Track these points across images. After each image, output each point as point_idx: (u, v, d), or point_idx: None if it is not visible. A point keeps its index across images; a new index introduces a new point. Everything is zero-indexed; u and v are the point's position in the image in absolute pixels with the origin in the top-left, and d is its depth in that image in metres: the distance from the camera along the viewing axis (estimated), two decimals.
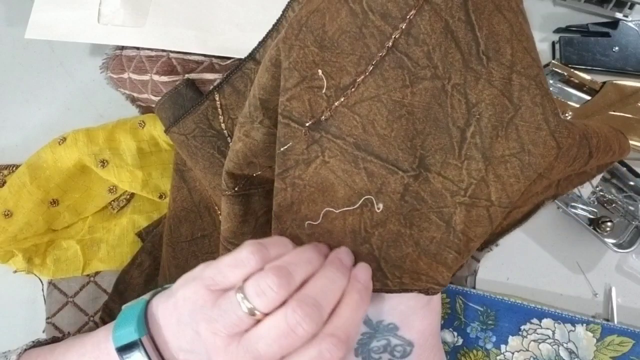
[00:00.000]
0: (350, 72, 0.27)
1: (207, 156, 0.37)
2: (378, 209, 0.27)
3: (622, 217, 0.50)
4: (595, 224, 0.49)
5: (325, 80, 0.27)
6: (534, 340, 0.48)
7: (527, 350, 0.48)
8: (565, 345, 0.47)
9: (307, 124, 0.27)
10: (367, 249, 0.28)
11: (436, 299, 0.32)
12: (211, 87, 0.39)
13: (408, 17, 0.26)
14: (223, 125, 0.38)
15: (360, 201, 0.27)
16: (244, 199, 0.33)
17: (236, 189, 0.33)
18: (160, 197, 0.48)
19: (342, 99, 0.27)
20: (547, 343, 0.48)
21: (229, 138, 0.38)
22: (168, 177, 0.48)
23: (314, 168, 0.27)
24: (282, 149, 0.28)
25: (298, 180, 0.28)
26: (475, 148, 0.27)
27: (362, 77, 0.27)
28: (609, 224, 0.49)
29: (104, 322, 0.43)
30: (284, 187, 0.28)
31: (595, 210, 0.50)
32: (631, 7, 0.55)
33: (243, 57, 0.40)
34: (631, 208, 0.50)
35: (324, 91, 0.27)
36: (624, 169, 0.50)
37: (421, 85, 0.26)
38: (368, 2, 0.26)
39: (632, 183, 0.50)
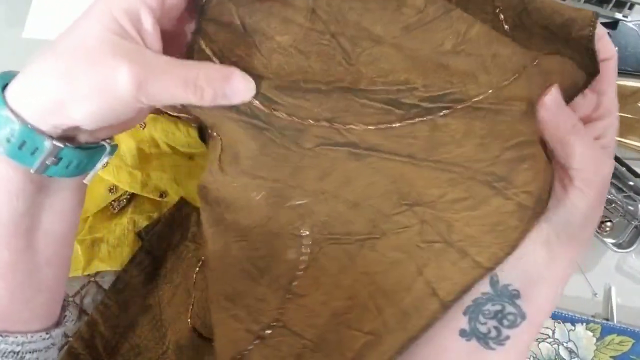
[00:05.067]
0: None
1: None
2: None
3: (621, 217, 0.50)
4: None
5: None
6: (533, 339, 0.48)
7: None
8: (565, 344, 0.48)
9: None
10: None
11: (564, 279, 0.31)
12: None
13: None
14: None
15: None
16: None
17: None
18: (161, 196, 0.48)
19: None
20: (547, 342, 0.48)
21: None
22: (168, 178, 0.48)
23: None
24: None
25: None
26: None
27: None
28: (608, 224, 0.49)
29: (99, 320, 0.44)
30: None
31: None
32: (630, 8, 0.55)
33: None
34: (631, 208, 0.51)
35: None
36: (623, 168, 0.50)
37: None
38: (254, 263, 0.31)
39: (631, 183, 0.50)
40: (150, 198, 0.48)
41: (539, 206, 0.29)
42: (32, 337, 0.28)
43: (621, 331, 0.47)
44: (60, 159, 0.26)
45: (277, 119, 0.28)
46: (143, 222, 0.47)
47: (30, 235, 0.28)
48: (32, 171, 0.25)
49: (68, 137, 0.27)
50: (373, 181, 0.30)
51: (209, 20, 0.27)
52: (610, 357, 0.47)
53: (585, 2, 0.56)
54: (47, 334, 0.30)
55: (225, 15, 0.27)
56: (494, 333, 0.30)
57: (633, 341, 0.47)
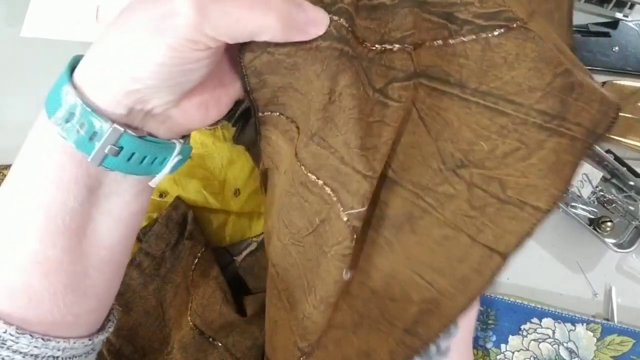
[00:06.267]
0: None
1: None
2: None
3: (622, 217, 0.50)
4: (595, 224, 0.49)
5: None
6: (534, 340, 0.48)
7: (527, 349, 0.48)
8: (565, 344, 0.48)
9: None
10: None
11: None
12: None
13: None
14: None
15: None
16: None
17: None
18: (161, 195, 0.48)
19: None
20: (548, 342, 0.48)
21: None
22: (168, 178, 0.47)
23: None
24: None
25: None
26: None
27: None
28: (609, 224, 0.49)
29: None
30: None
31: (596, 210, 0.50)
32: (631, 7, 0.55)
33: None
34: (631, 208, 0.51)
35: None
36: (624, 168, 0.50)
37: None
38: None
39: (632, 183, 0.50)
40: (150, 198, 0.48)
41: (590, 138, 0.27)
42: (74, 343, 0.26)
43: (622, 331, 0.47)
44: (121, 148, 0.23)
45: (357, 44, 0.25)
46: (142, 223, 0.47)
47: (80, 237, 0.25)
48: (88, 159, 0.23)
49: (135, 128, 0.24)
50: (414, 142, 0.28)
51: None
52: (611, 357, 0.47)
53: (585, 1, 0.56)
54: (89, 340, 0.27)
55: None
56: (433, 349, 0.30)
57: (633, 341, 0.47)
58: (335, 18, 0.24)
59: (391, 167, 0.28)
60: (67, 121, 0.23)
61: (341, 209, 0.27)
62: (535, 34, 0.26)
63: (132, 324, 0.44)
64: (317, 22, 0.23)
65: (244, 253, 0.49)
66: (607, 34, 0.55)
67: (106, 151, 0.23)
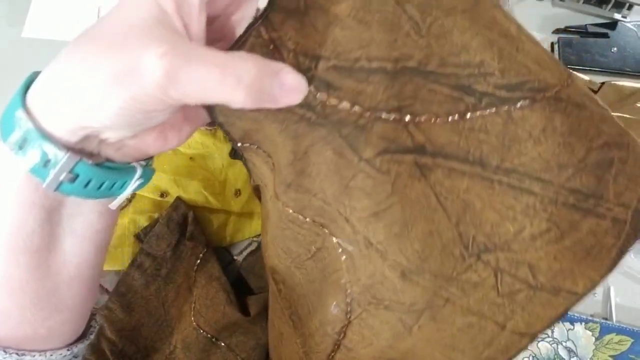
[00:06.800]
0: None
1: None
2: None
3: None
4: None
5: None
6: None
7: (526, 348, 0.48)
8: (564, 343, 0.48)
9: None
10: None
11: None
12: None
13: None
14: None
15: None
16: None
17: None
18: (162, 195, 0.48)
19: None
20: (546, 342, 0.48)
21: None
22: (169, 178, 0.48)
23: None
24: None
25: None
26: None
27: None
28: None
29: (104, 324, 0.43)
30: None
31: None
32: (629, 8, 0.55)
33: None
34: None
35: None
36: None
37: None
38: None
39: None
40: (151, 198, 0.48)
41: (635, 219, 0.25)
42: (51, 355, 0.26)
43: (620, 330, 0.47)
44: (77, 175, 0.22)
45: (335, 110, 0.23)
46: (144, 222, 0.47)
47: (44, 255, 0.25)
48: (43, 186, 0.22)
49: (91, 153, 0.23)
50: (432, 229, 0.25)
51: (277, 11, 0.23)
52: (609, 356, 0.47)
53: (584, 2, 0.56)
54: (68, 350, 0.28)
55: (293, 1, 0.23)
56: None
57: (632, 340, 0.47)
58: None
59: (405, 255, 0.26)
60: (20, 147, 0.22)
61: (333, 239, 0.26)
62: (567, 105, 0.24)
63: (134, 324, 0.44)
64: (292, 92, 0.22)
65: (245, 253, 0.49)
66: (605, 35, 0.55)
67: (61, 178, 0.22)
